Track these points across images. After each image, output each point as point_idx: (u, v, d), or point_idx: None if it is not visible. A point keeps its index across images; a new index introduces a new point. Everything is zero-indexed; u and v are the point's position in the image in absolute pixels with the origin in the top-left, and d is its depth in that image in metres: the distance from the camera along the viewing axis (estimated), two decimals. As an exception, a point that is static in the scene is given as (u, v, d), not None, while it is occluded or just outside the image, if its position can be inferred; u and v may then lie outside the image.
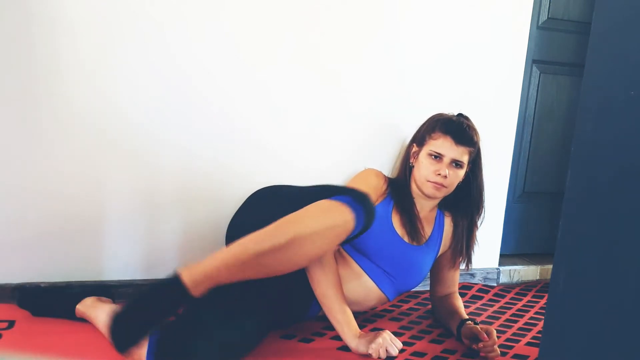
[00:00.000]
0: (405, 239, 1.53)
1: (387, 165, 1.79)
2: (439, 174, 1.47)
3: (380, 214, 1.52)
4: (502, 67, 1.91)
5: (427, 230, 1.57)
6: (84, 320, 1.42)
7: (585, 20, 2.10)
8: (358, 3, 1.71)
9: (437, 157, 1.48)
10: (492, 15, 1.86)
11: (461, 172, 1.50)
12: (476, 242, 1.63)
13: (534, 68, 2.08)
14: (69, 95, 1.51)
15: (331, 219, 1.21)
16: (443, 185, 1.48)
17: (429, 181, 1.49)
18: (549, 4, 2.05)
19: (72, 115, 1.52)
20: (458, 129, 1.49)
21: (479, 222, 1.61)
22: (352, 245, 1.52)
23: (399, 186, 1.56)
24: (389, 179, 1.59)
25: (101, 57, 1.52)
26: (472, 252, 1.62)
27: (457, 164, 1.49)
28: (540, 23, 2.06)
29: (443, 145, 1.48)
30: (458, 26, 1.83)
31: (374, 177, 1.55)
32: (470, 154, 1.50)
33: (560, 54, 2.11)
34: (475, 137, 1.51)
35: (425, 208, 1.58)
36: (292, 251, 1.19)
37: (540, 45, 2.08)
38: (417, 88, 1.82)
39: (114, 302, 1.48)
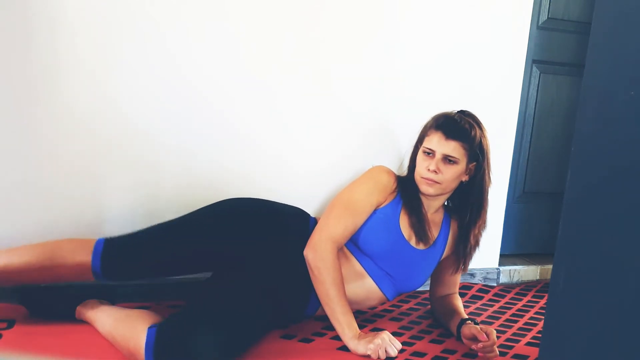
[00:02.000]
0: (412, 241, 1.51)
1: (387, 165, 1.78)
2: (429, 169, 1.45)
3: (388, 214, 1.50)
4: (502, 67, 1.90)
5: (434, 232, 1.56)
6: (83, 321, 1.42)
7: (585, 20, 2.10)
8: (358, 3, 1.71)
9: (430, 153, 1.47)
10: (492, 15, 1.86)
11: (456, 169, 1.46)
12: (478, 246, 1.59)
13: (534, 68, 2.08)
14: (69, 95, 1.51)
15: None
16: (435, 182, 1.45)
17: (422, 178, 1.48)
18: (549, 4, 2.05)
19: (71, 115, 1.52)
20: (449, 123, 1.46)
21: (482, 226, 1.57)
22: (356, 246, 1.51)
23: (408, 185, 1.54)
24: (399, 177, 1.57)
25: (101, 58, 1.52)
26: (472, 257, 1.59)
27: (449, 159, 1.45)
28: (540, 23, 2.06)
29: (433, 140, 1.46)
30: (458, 26, 1.83)
31: (384, 175, 1.52)
32: (465, 149, 1.45)
33: (560, 54, 2.11)
34: (472, 132, 1.46)
35: (431, 208, 1.56)
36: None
37: (540, 45, 2.07)
38: (417, 88, 1.82)
39: (113, 304, 1.48)
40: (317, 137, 1.75)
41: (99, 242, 1.39)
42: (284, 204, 1.56)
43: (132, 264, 1.39)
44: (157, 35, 1.55)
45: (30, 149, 1.51)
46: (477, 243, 1.58)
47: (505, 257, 2.15)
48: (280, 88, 1.68)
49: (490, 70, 1.89)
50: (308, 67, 1.70)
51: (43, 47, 1.47)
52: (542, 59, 2.09)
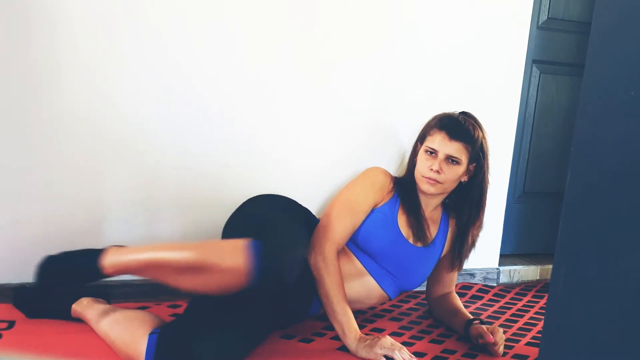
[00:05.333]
0: (410, 239, 1.52)
1: (386, 164, 1.78)
2: (432, 169, 1.46)
3: (386, 213, 1.51)
4: (502, 67, 1.90)
5: (433, 231, 1.57)
6: (80, 320, 1.42)
7: (585, 20, 2.10)
8: (358, 3, 1.71)
9: (432, 152, 1.48)
10: (492, 15, 1.86)
11: (458, 169, 1.48)
12: (474, 246, 1.60)
13: (534, 68, 2.08)
14: (68, 95, 1.51)
15: (226, 264, 1.13)
16: (437, 181, 1.47)
17: (423, 177, 1.48)
18: (549, 4, 2.05)
19: (71, 115, 1.52)
20: (453, 124, 1.48)
21: (478, 226, 1.57)
22: (356, 245, 1.51)
23: (405, 185, 1.55)
24: (396, 177, 1.58)
25: (101, 58, 1.52)
26: (467, 256, 1.60)
27: (452, 160, 1.46)
28: (540, 23, 2.06)
29: (436, 140, 1.47)
30: (458, 26, 1.83)
31: (380, 176, 1.54)
32: (468, 150, 1.47)
33: (560, 54, 2.11)
34: (475, 134, 1.48)
35: (429, 207, 1.57)
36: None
37: (540, 45, 2.07)
38: (417, 88, 1.82)
39: (109, 302, 1.48)
40: (318, 137, 1.75)
41: (254, 243, 1.15)
42: (295, 202, 1.58)
43: None
44: (156, 35, 1.55)
45: (30, 149, 1.50)
46: (473, 243, 1.60)
47: (505, 257, 2.15)
48: (280, 88, 1.68)
49: (490, 71, 1.89)
50: (308, 66, 1.70)
51: (43, 47, 1.47)
52: (542, 59, 2.09)
